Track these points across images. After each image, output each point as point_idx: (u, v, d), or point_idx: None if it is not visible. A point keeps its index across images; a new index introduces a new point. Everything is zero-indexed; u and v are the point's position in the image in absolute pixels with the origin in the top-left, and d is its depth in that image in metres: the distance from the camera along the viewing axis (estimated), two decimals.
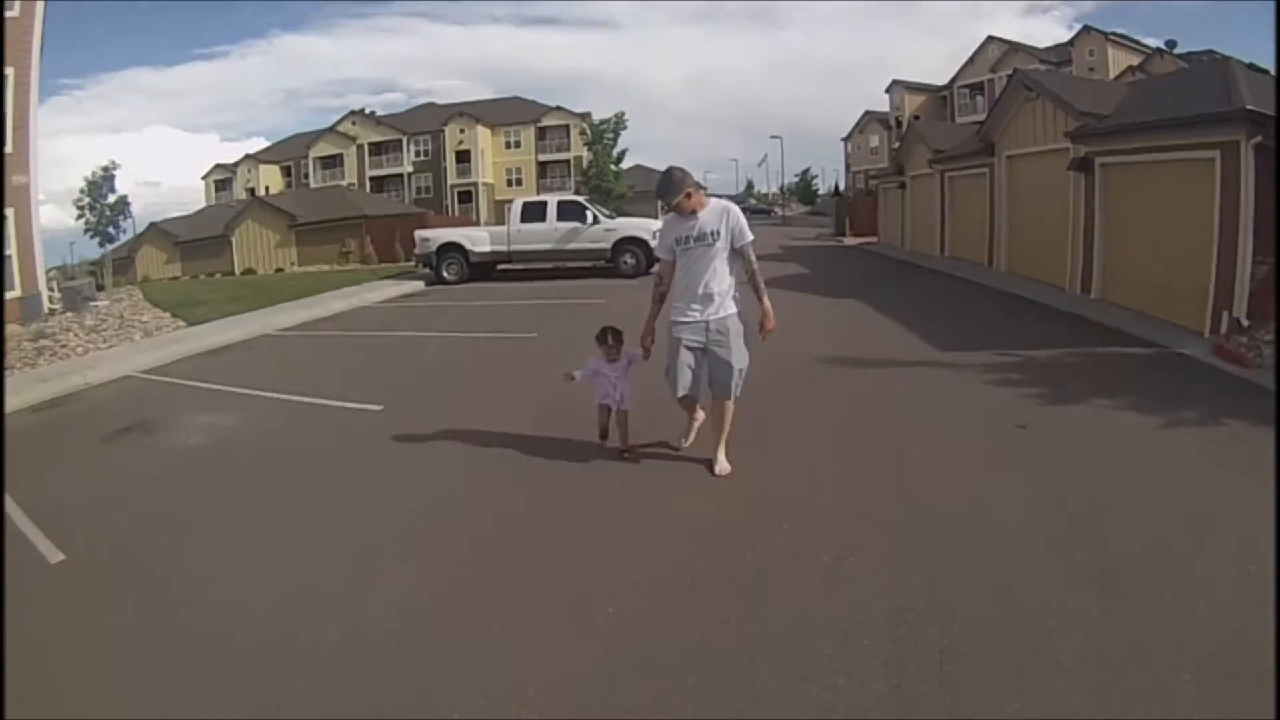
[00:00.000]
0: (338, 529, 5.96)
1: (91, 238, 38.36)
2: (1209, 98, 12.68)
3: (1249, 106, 11.10)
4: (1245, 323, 11.13)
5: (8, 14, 18.94)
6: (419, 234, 26.96)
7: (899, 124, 72.92)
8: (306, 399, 10.22)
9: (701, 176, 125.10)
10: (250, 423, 9.43)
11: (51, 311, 19.84)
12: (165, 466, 7.91)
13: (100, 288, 24.21)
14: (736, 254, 6.23)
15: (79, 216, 39.33)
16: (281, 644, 4.29)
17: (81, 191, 39.63)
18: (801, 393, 8.90)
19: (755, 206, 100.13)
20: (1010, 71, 62.47)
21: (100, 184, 40.02)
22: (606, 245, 24.17)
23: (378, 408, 9.52)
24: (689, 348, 6.26)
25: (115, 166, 41.37)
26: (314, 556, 5.47)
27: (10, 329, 15.90)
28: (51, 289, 21.61)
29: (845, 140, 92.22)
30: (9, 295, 18.36)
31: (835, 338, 12.41)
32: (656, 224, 25.16)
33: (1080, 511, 5.52)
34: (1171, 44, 58.71)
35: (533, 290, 21.76)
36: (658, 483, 6.41)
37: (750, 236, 6.24)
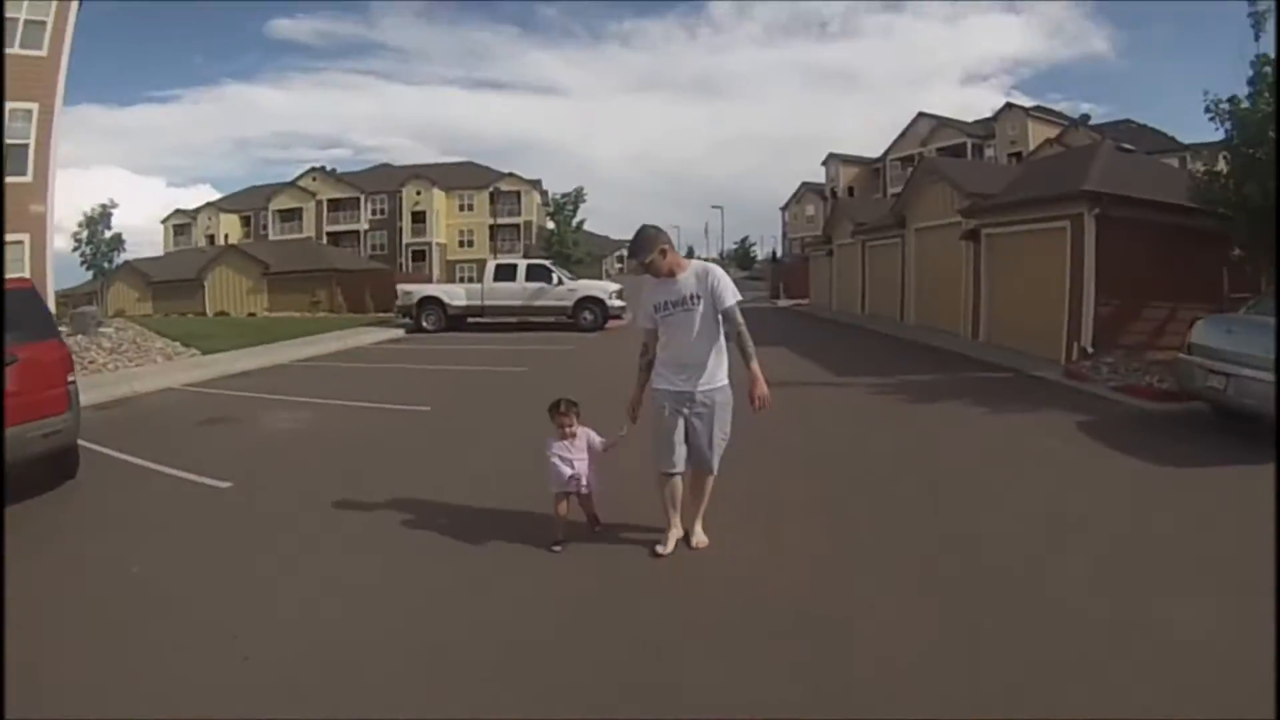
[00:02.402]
0: (417, 479, 8.90)
1: (87, 269, 40.75)
2: (1067, 179, 16.19)
3: (1086, 188, 14.64)
4: (1090, 350, 14.44)
5: (35, 53, 20.97)
6: (401, 288, 30.09)
7: (834, 194, 77.41)
8: (360, 403, 13.02)
9: None
10: (320, 419, 12.00)
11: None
12: (270, 440, 10.60)
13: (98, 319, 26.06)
14: (721, 317, 5.80)
15: (75, 248, 41.68)
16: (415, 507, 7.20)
17: (80, 225, 42.16)
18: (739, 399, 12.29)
19: None
20: (939, 145, 68.32)
21: (98, 220, 42.54)
22: (569, 303, 27.30)
23: (426, 408, 12.43)
24: (674, 418, 5.83)
25: (114, 205, 43.98)
26: (409, 480, 8.42)
27: None
28: (61, 314, 23.16)
29: (784, 209, 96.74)
30: None
31: (766, 370, 15.37)
32: (613, 285, 28.52)
33: (917, 441, 8.99)
34: (1085, 118, 63.85)
35: (506, 339, 24.58)
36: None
37: (734, 299, 5.77)
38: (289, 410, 12.52)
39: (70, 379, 8.15)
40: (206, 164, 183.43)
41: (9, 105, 20.00)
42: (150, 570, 5.86)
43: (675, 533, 6.02)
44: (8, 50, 19.92)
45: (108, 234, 44.25)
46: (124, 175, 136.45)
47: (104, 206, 43.83)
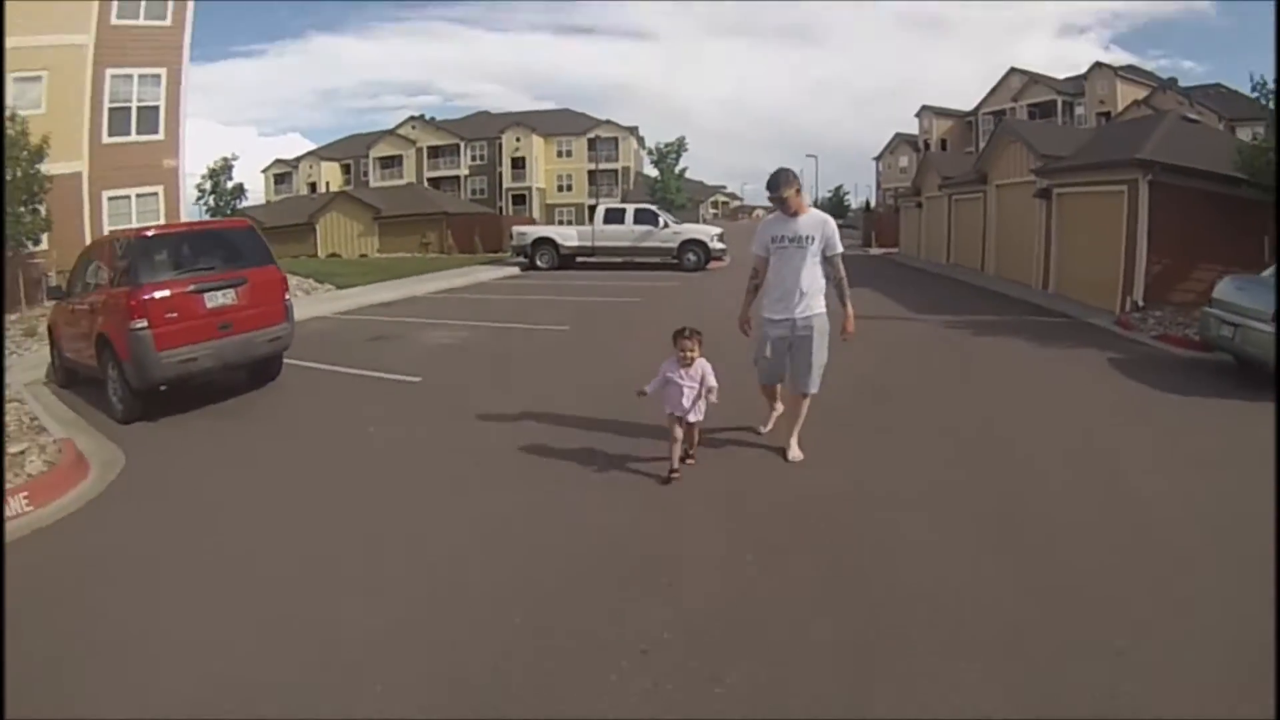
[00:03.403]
0: (570, 379, 11.33)
1: (212, 217, 44.26)
2: (1127, 147, 17.66)
3: (1140, 157, 16.18)
4: (1141, 304, 16.07)
5: (158, 22, 23.58)
6: (516, 229, 33.09)
7: (927, 146, 77.57)
8: (504, 324, 15.61)
9: (739, 187, 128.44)
10: (473, 336, 14.55)
11: None
12: (438, 350, 13.15)
13: None
14: (826, 261, 6.80)
15: (198, 199, 45.23)
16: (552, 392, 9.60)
17: (204, 177, 45.74)
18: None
19: None
20: (1030, 101, 68.26)
21: (220, 171, 46.04)
22: (673, 245, 29.57)
23: (565, 328, 14.95)
24: (775, 341, 6.90)
25: (235, 158, 47.53)
26: (560, 381, 10.85)
27: None
28: None
29: (877, 159, 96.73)
30: None
31: (855, 307, 17.36)
32: (714, 229, 30.62)
33: (971, 365, 11.25)
34: (1173, 81, 63.04)
35: (617, 276, 26.97)
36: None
37: (841, 248, 6.82)
38: (443, 330, 15.06)
39: (287, 296, 10.81)
40: (295, 114, 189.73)
41: (138, 71, 22.94)
42: (383, 431, 8.51)
43: (775, 414, 7.56)
44: (136, 21, 22.83)
45: (229, 184, 47.83)
46: (214, 128, 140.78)
47: (225, 159, 47.53)
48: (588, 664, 3.91)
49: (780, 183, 6.67)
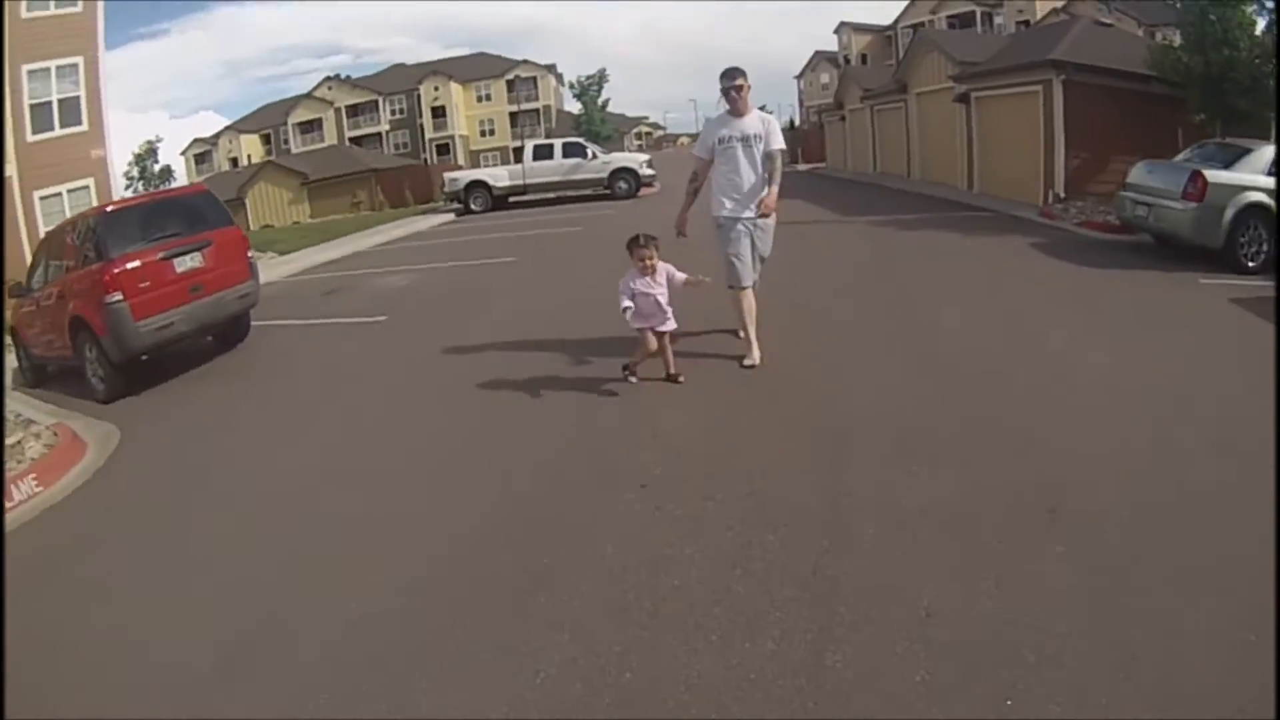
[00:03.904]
0: (529, 302, 11.86)
1: None
2: (1040, 49, 18.39)
3: (1052, 57, 16.97)
4: (1063, 195, 16.91)
5: (69, 10, 22.68)
6: (448, 175, 33.15)
7: (847, 62, 77.88)
8: (452, 263, 15.97)
9: (661, 116, 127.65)
10: (426, 277, 14.85)
11: None
12: (395, 293, 13.48)
13: None
14: (765, 156, 6.82)
15: (127, 186, 44.64)
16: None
17: (129, 164, 45.26)
18: None
19: None
20: (948, 13, 68.70)
21: (146, 156, 45.56)
22: (604, 175, 29.94)
23: (512, 259, 15.40)
24: (746, 238, 6.94)
25: (159, 140, 47.10)
26: (520, 306, 11.41)
27: None
28: None
29: (798, 78, 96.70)
30: None
31: (785, 215, 17.98)
32: (643, 156, 30.97)
33: (900, 254, 12.08)
34: None
35: (552, 210, 27.29)
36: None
37: (781, 145, 6.92)
38: (395, 276, 15.35)
39: (250, 254, 11.05)
40: (206, 91, 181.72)
41: (55, 63, 22.08)
42: (366, 360, 9.24)
43: (757, 348, 7.10)
44: (48, 11, 21.94)
45: (156, 168, 47.33)
46: (125, 116, 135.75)
47: (150, 143, 47.15)
48: (600, 496, 4.69)
49: (736, 72, 6.91)
